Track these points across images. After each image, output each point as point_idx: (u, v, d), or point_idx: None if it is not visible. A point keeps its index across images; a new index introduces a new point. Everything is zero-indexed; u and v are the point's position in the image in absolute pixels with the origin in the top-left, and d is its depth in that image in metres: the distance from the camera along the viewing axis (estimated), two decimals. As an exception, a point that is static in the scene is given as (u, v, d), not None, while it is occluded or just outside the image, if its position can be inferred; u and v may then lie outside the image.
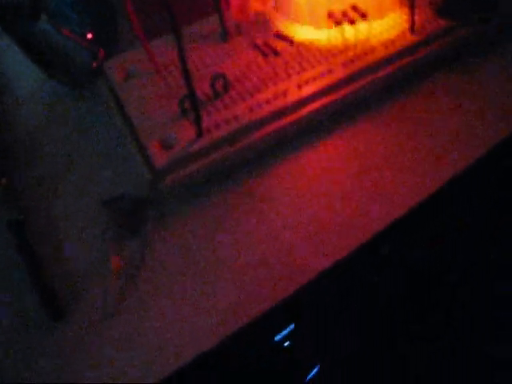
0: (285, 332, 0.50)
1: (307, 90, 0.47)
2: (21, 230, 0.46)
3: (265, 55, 0.48)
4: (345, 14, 0.47)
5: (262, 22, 0.50)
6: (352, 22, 0.47)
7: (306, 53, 0.49)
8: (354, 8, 0.47)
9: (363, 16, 0.47)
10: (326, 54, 0.49)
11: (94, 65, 0.58)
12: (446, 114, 0.49)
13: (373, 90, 0.49)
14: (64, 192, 0.49)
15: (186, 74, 0.41)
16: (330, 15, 0.47)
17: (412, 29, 0.50)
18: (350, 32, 0.49)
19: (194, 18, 0.55)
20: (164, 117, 0.48)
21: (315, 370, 0.58)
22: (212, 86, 0.47)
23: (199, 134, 0.45)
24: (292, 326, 0.50)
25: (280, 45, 0.48)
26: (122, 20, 0.60)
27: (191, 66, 0.50)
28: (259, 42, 0.48)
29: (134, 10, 0.49)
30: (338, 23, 0.47)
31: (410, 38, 0.50)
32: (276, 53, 0.47)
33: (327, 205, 0.43)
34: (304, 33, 0.50)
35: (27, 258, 0.44)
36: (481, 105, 0.49)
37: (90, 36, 0.62)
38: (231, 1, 0.48)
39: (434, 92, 0.51)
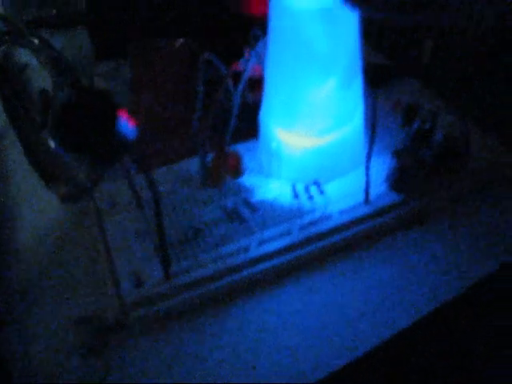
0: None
1: (266, 248, 0.53)
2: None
3: (232, 220, 0.55)
4: (307, 189, 0.55)
5: (235, 187, 0.57)
6: (310, 198, 0.54)
7: (269, 213, 0.56)
8: (316, 183, 0.55)
9: (321, 192, 0.54)
10: (288, 215, 0.56)
11: (88, 186, 0.65)
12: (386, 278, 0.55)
13: (327, 252, 0.56)
14: (38, 304, 0.54)
15: (160, 232, 0.48)
16: (294, 188, 0.55)
17: (367, 200, 0.57)
18: (311, 199, 0.56)
19: (179, 158, 0.62)
20: (140, 252, 0.54)
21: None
22: (185, 233, 0.54)
23: (167, 277, 0.51)
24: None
25: (247, 211, 0.55)
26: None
27: (170, 205, 0.57)
28: (229, 206, 0.55)
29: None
30: (296, 195, 0.55)
31: (364, 209, 0.57)
32: (241, 220, 0.54)
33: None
34: (273, 190, 0.58)
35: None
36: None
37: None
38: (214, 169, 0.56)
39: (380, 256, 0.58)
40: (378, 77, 0.79)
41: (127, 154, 0.45)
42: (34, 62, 0.87)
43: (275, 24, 0.49)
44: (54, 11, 0.91)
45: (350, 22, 0.49)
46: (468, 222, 0.61)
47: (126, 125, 0.40)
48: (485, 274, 0.57)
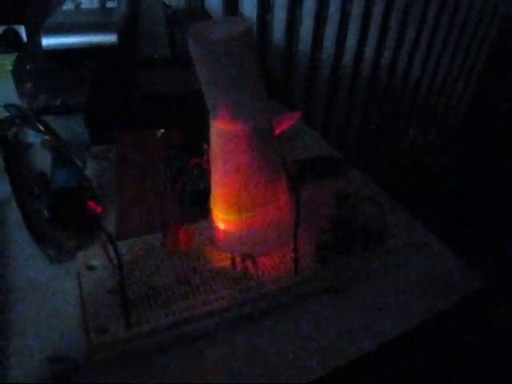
0: None
1: (210, 307, 0.67)
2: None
3: (182, 283, 0.68)
4: (244, 260, 0.69)
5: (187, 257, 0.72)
6: (246, 269, 0.68)
7: (212, 279, 0.69)
8: (250, 256, 0.69)
9: (254, 263, 0.69)
10: (229, 281, 0.69)
11: (74, 249, 0.79)
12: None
13: (261, 312, 0.69)
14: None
15: (122, 290, 0.61)
16: (233, 260, 0.69)
17: (296, 271, 0.71)
18: (249, 268, 0.70)
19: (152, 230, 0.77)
20: (108, 309, 0.67)
21: None
22: (146, 293, 0.67)
23: (128, 327, 0.64)
24: None
25: (194, 277, 0.69)
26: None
27: (135, 267, 0.71)
28: (181, 273, 0.69)
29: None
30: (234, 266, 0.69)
31: (294, 279, 0.71)
32: (189, 284, 0.68)
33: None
34: (217, 261, 0.72)
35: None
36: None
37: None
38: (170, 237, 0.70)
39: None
40: (326, 168, 0.95)
41: (99, 230, 0.59)
42: (38, 142, 1.04)
43: (213, 141, 0.66)
44: (59, 101, 1.09)
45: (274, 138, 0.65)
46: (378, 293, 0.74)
47: (94, 211, 0.55)
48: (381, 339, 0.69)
